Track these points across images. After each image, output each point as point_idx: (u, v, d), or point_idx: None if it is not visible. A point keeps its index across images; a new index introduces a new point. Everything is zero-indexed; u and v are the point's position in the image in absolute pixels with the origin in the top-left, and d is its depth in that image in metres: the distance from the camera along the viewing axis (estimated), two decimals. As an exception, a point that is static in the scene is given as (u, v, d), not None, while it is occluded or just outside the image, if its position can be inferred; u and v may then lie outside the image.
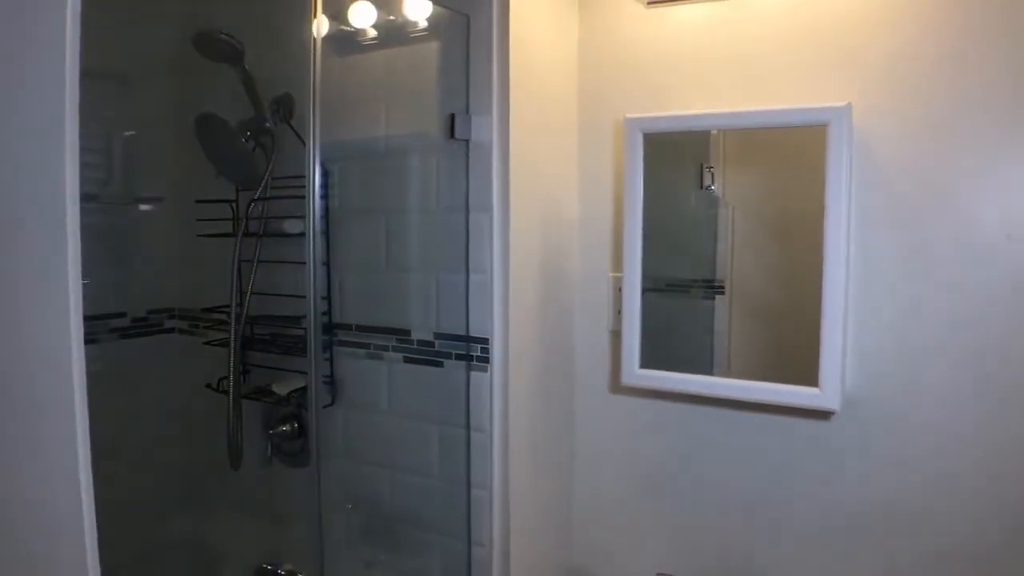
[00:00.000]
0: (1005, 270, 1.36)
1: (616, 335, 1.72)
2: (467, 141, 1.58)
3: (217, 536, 2.07)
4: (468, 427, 1.64)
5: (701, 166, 1.63)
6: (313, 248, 1.51)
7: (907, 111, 1.41)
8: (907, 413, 1.46)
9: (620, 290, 1.67)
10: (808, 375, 1.46)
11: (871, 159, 1.45)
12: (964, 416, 1.41)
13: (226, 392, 1.90)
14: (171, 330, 2.15)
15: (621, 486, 1.79)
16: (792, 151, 1.53)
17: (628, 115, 1.59)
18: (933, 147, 1.40)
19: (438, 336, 1.67)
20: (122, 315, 2.04)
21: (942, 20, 1.38)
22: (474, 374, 1.61)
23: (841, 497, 1.54)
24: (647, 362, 1.63)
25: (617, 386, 1.71)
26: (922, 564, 1.48)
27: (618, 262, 1.68)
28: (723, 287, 1.63)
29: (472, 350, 1.61)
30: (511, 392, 1.60)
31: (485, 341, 1.59)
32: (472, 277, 1.61)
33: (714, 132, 1.59)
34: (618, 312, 1.69)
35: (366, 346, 1.79)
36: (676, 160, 1.66)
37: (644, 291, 1.61)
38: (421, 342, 1.70)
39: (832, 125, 1.39)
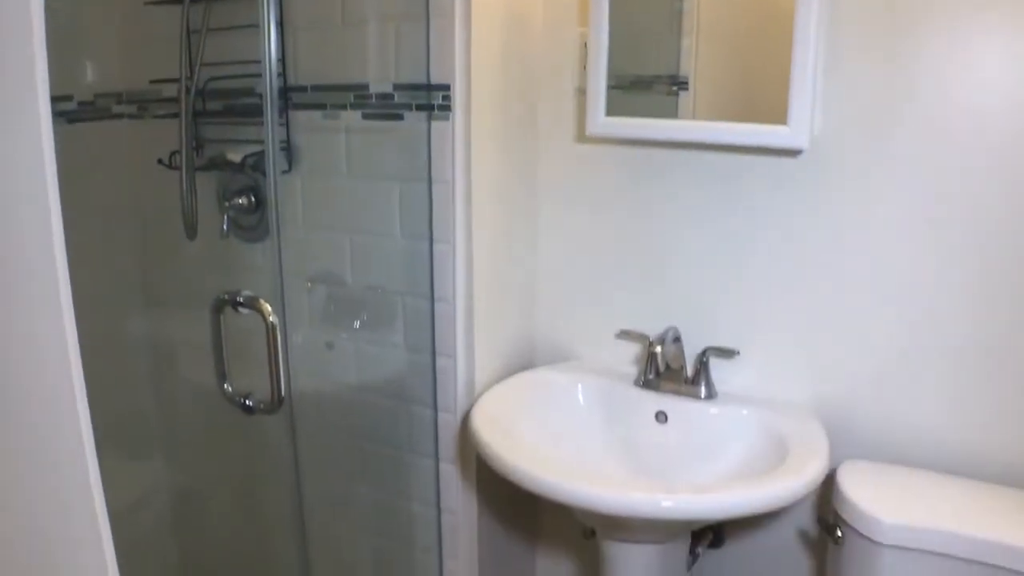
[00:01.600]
0: None
1: (581, 92, 1.68)
2: None
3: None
4: (430, 180, 1.60)
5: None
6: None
7: None
8: (877, 155, 1.45)
9: (586, 45, 1.62)
10: (777, 114, 1.44)
11: None
12: (926, 160, 1.41)
13: (179, 167, 1.85)
14: (120, 116, 2.07)
15: (586, 240, 1.78)
16: None
17: None
18: None
19: (397, 87, 1.61)
20: (68, 98, 1.95)
21: None
22: (435, 124, 1.57)
23: (810, 233, 1.54)
24: (613, 112, 1.59)
25: (583, 136, 1.68)
26: (885, 295, 1.50)
27: (584, 16, 1.63)
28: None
29: (433, 99, 1.56)
30: (474, 140, 1.56)
31: (447, 88, 1.54)
32: (433, 22, 1.54)
33: None
34: (583, 68, 1.65)
35: (322, 106, 1.72)
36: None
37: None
38: (380, 95, 1.64)
39: None
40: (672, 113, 1.60)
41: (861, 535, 1.40)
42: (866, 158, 1.46)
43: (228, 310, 1.43)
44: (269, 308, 1.38)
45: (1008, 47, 1.33)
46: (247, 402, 1.49)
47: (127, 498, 2.00)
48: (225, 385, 1.50)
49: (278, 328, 1.38)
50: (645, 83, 1.66)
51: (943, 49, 1.37)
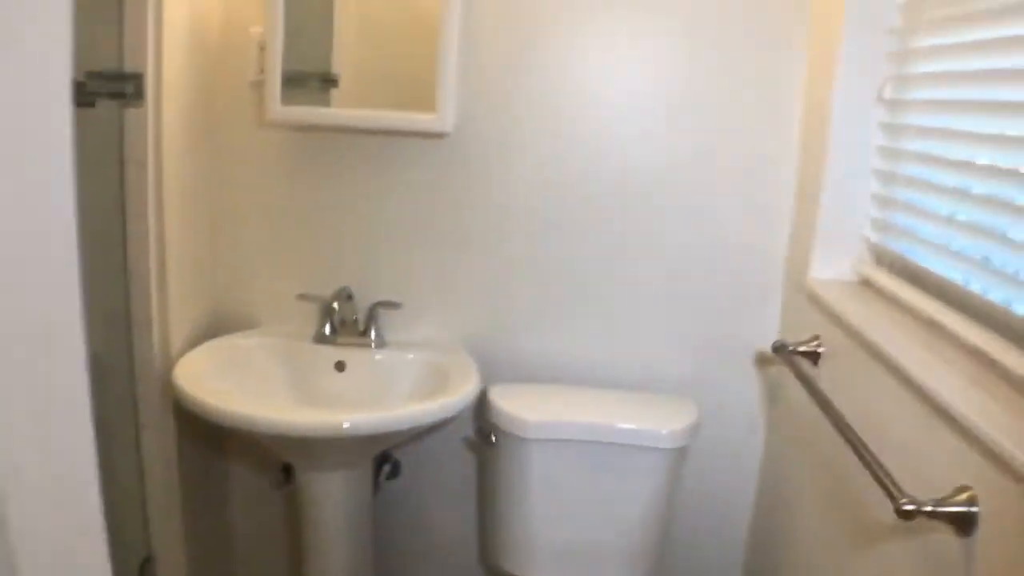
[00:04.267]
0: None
1: (258, 85, 1.90)
2: None
3: None
4: (122, 163, 1.72)
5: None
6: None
7: None
8: (504, 133, 1.86)
9: (263, 48, 1.85)
10: (426, 104, 1.78)
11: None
12: (541, 134, 1.84)
13: None
14: None
15: (265, 217, 1.99)
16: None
17: None
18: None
19: (89, 76, 1.72)
20: None
21: None
22: (128, 111, 1.70)
23: (454, 201, 1.92)
24: (287, 102, 1.84)
25: (262, 123, 1.90)
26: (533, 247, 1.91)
27: (260, 17, 1.85)
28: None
29: (127, 88, 1.69)
30: (164, 127, 1.72)
31: (139, 77, 1.68)
32: (127, 12, 1.67)
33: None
34: (259, 63, 1.87)
35: None
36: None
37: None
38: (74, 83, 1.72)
39: None
40: (327, 103, 1.89)
41: (511, 435, 1.78)
42: (497, 136, 1.87)
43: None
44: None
45: (588, 47, 1.80)
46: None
47: None
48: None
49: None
50: (303, 77, 1.92)
51: (548, 51, 1.82)
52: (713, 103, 1.82)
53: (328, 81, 1.90)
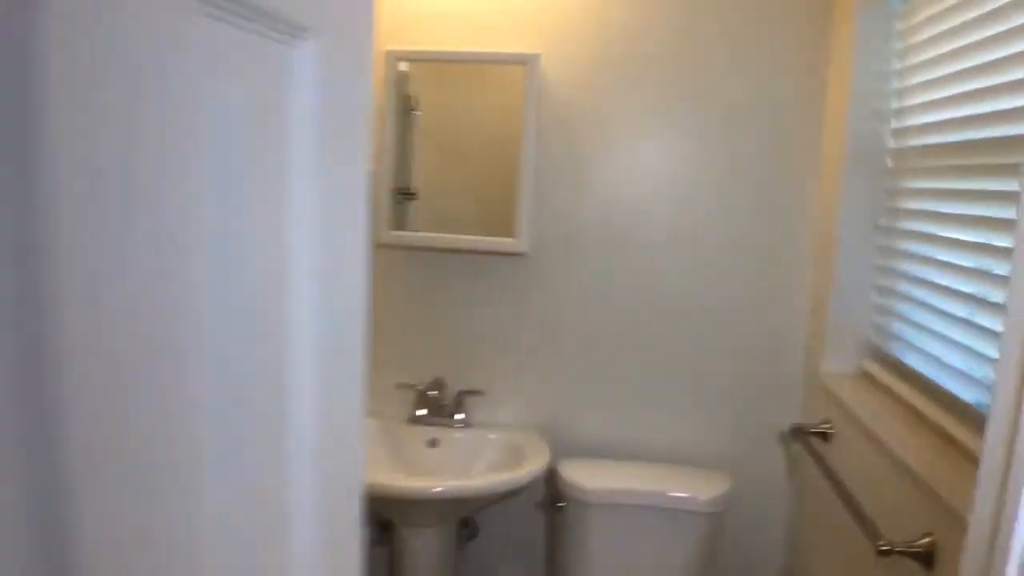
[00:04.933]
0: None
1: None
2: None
3: None
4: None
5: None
6: None
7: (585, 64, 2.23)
8: (572, 256, 2.29)
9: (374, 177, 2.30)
10: (506, 228, 2.23)
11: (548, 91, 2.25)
12: (612, 257, 2.28)
13: None
14: None
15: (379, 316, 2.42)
16: (488, 85, 2.28)
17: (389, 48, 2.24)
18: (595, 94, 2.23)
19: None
20: None
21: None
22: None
23: (531, 307, 2.34)
24: (395, 227, 2.29)
25: (374, 243, 2.35)
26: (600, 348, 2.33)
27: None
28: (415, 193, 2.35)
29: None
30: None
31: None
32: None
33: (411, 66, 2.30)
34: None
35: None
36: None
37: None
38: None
39: (528, 64, 2.16)
40: (405, 214, 2.33)
41: (576, 500, 2.16)
42: (562, 255, 2.30)
43: None
44: None
45: (635, 184, 2.25)
46: None
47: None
48: None
49: None
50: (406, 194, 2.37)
51: (601, 181, 2.26)
52: (738, 233, 2.25)
53: (407, 195, 2.35)
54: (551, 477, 2.26)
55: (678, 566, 2.17)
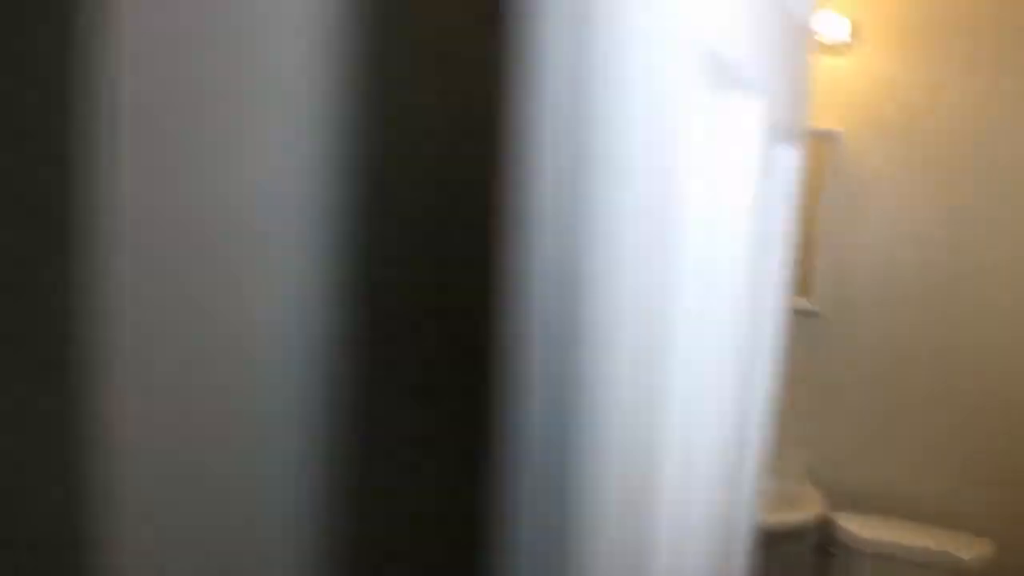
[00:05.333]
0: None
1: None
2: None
3: None
4: None
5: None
6: None
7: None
8: (862, 316, 2.45)
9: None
10: (802, 290, 2.42)
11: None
12: (896, 316, 2.41)
13: None
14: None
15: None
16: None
17: None
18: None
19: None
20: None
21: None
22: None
23: (819, 363, 2.50)
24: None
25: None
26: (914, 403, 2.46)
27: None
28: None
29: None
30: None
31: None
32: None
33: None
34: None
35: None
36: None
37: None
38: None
39: (833, 140, 2.37)
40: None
41: (849, 549, 2.28)
42: (849, 315, 2.45)
43: None
44: None
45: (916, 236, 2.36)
46: None
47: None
48: None
49: None
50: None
51: (882, 238, 2.39)
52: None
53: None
54: (823, 525, 2.39)
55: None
